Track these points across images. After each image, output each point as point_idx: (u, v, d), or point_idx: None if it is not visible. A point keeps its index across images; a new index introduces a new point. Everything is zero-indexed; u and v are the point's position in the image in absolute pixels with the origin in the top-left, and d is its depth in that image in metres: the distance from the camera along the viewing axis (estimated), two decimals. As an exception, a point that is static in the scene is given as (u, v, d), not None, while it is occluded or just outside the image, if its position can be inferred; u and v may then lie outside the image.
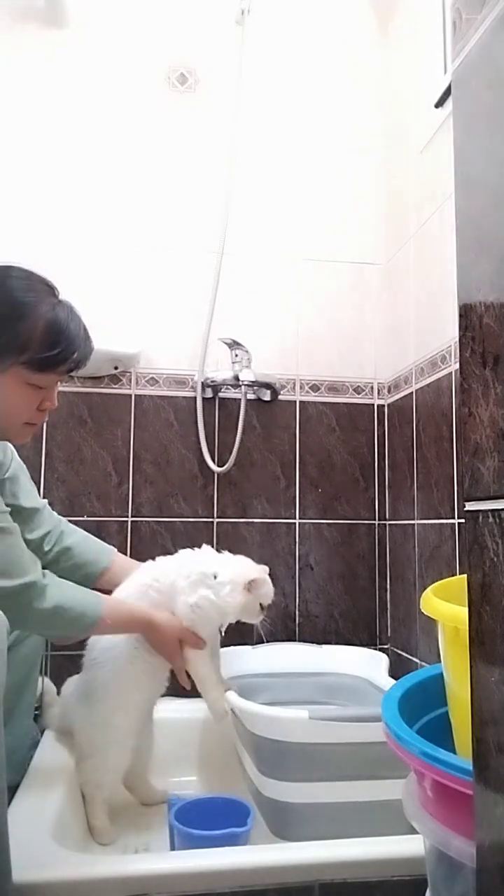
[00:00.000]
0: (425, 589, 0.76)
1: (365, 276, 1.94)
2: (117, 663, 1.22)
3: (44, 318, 1.02)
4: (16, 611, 0.98)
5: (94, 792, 1.20)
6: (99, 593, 1.19)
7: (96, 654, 1.25)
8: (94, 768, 1.20)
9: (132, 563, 1.39)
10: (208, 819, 1.13)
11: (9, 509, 1.09)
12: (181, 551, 1.34)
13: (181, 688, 1.28)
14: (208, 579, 1.24)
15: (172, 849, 1.14)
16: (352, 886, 0.91)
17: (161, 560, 1.33)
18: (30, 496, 1.28)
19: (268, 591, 1.26)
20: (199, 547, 1.37)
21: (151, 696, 1.30)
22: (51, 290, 1.07)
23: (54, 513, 1.36)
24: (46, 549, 1.30)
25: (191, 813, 1.17)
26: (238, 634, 1.44)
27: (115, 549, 1.42)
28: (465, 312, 0.50)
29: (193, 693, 1.27)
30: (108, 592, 1.29)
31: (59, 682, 1.46)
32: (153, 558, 1.37)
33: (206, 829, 1.08)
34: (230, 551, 1.77)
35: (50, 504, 1.37)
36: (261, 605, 1.25)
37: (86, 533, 1.40)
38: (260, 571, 1.27)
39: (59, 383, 1.09)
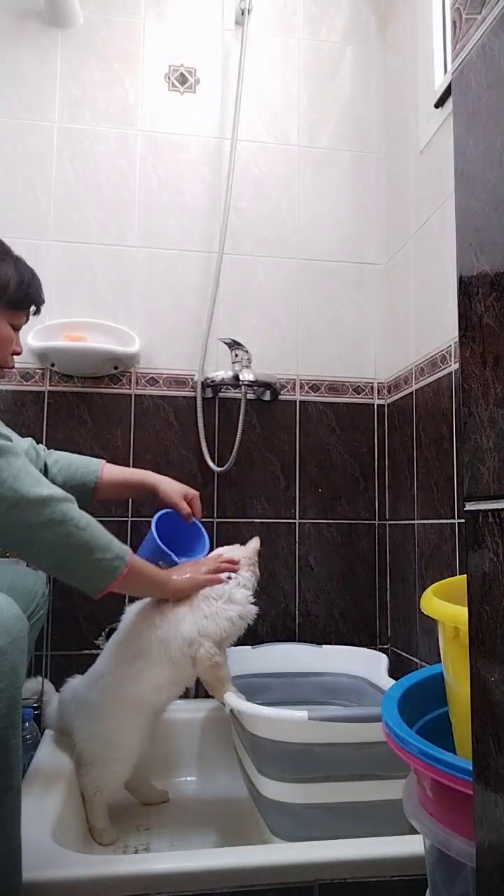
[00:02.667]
0: (425, 589, 0.76)
1: (365, 276, 1.94)
2: (127, 688, 1.21)
3: (14, 264, 1.17)
4: (52, 519, 0.99)
5: (94, 796, 1.20)
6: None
7: (106, 676, 1.24)
8: (96, 777, 1.20)
9: (121, 469, 1.41)
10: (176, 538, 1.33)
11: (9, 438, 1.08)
12: None
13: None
14: (232, 583, 1.26)
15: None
16: (352, 886, 0.91)
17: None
18: (18, 442, 1.28)
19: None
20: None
21: (159, 714, 1.30)
22: (6, 245, 1.20)
23: (39, 447, 1.36)
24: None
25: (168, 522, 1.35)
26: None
27: (103, 461, 1.41)
28: (465, 312, 0.50)
29: (193, 693, 1.27)
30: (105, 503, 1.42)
31: (59, 682, 1.46)
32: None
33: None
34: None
35: None
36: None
37: (68, 454, 1.40)
38: (249, 546, 1.36)
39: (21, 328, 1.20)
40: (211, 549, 1.38)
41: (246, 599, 1.26)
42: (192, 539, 1.40)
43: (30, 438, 1.36)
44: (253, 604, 1.27)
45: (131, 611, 1.29)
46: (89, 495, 1.36)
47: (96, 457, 1.79)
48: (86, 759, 1.21)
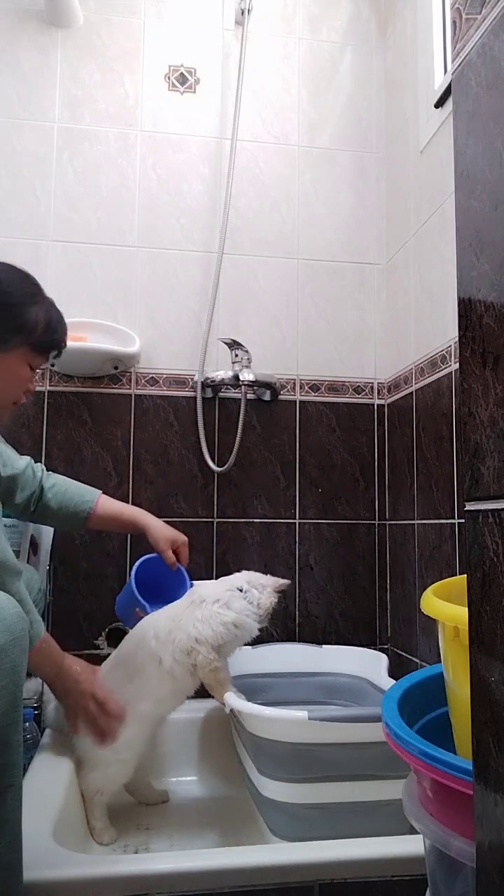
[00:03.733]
0: (425, 589, 0.76)
1: (365, 276, 1.94)
2: (128, 703, 1.20)
3: (45, 306, 1.17)
4: None
5: (94, 797, 1.20)
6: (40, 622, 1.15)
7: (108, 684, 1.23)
8: (97, 779, 1.20)
9: (115, 504, 1.42)
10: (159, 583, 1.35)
11: None
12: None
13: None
14: (238, 593, 1.26)
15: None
16: (352, 886, 0.91)
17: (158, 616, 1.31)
18: (13, 464, 1.30)
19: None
20: (200, 547, 1.38)
21: (161, 720, 1.29)
22: (38, 283, 1.20)
23: (37, 468, 1.37)
24: (32, 508, 1.35)
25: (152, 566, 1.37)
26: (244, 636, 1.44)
27: (100, 492, 1.42)
28: (465, 312, 0.50)
29: (193, 693, 1.27)
30: (98, 533, 1.45)
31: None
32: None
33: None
34: (230, 551, 1.78)
35: None
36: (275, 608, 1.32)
37: (66, 480, 1.41)
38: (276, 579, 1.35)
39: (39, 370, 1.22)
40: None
41: (245, 610, 1.25)
42: (176, 585, 1.40)
43: (27, 458, 1.36)
44: (257, 623, 1.26)
45: (131, 633, 1.29)
46: (81, 524, 1.39)
47: (97, 457, 1.79)
48: (86, 761, 1.21)
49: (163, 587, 1.39)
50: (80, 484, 1.42)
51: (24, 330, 1.13)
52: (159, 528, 1.41)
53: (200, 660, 1.20)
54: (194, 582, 1.35)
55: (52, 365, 1.76)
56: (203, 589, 1.29)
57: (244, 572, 1.35)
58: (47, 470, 1.40)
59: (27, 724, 1.35)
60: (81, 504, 1.38)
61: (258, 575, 1.34)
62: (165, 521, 1.54)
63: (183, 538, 1.42)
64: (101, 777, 1.20)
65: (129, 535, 1.74)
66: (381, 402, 1.91)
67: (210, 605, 1.24)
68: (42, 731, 1.36)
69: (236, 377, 1.72)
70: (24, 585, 1.05)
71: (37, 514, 1.37)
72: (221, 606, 1.24)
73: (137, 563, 1.38)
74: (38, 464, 1.39)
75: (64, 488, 1.38)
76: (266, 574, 1.36)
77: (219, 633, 1.21)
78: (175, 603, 1.30)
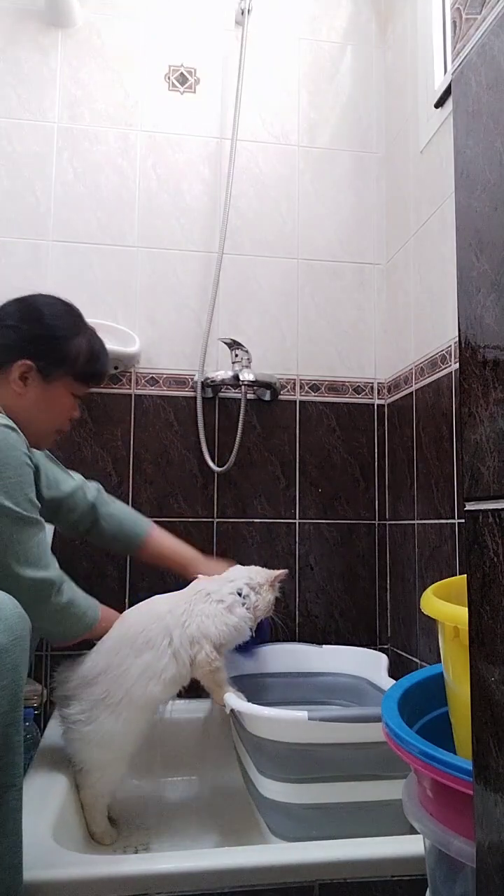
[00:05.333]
0: (425, 589, 0.76)
1: (365, 276, 1.94)
2: (135, 682, 1.17)
3: (87, 337, 1.22)
4: (35, 600, 1.06)
5: (94, 801, 1.18)
6: (95, 600, 1.23)
7: (112, 670, 1.18)
8: (94, 782, 1.17)
9: (166, 538, 1.46)
10: None
11: (38, 506, 1.13)
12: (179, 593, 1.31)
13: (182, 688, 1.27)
14: (238, 598, 1.26)
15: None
16: (352, 886, 0.91)
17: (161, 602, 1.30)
18: (59, 486, 1.35)
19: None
20: (200, 547, 1.37)
21: (155, 714, 1.26)
22: (81, 314, 1.24)
23: (91, 487, 1.41)
24: (83, 529, 1.41)
25: None
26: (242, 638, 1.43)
27: (151, 523, 1.45)
28: (465, 312, 0.50)
29: (193, 693, 1.27)
30: (150, 565, 1.48)
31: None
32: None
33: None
34: (230, 551, 1.78)
35: None
36: (276, 598, 1.33)
37: (122, 507, 1.45)
38: (271, 572, 1.35)
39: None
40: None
41: (244, 617, 1.25)
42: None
43: (78, 480, 1.40)
44: (250, 632, 1.27)
45: (135, 610, 1.27)
46: (130, 552, 1.48)
47: (97, 457, 1.79)
48: (85, 766, 1.17)
49: None
50: (133, 513, 1.46)
51: (67, 361, 1.18)
52: (214, 568, 1.41)
53: (202, 657, 1.18)
54: (199, 576, 1.34)
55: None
56: (208, 584, 1.28)
57: (243, 569, 1.34)
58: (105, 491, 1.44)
59: (27, 723, 1.35)
60: (134, 537, 1.43)
61: (256, 570, 1.33)
62: (166, 521, 1.55)
63: None
64: (98, 778, 1.18)
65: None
66: (381, 402, 1.91)
67: (214, 603, 1.23)
68: (42, 731, 1.36)
69: (236, 377, 1.72)
70: (69, 585, 1.15)
71: (91, 536, 1.42)
72: (226, 608, 1.23)
73: None
74: (93, 483, 1.42)
75: (119, 520, 1.42)
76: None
77: (222, 632, 1.21)
78: (180, 591, 1.28)
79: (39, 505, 1.14)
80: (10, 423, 1.08)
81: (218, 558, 1.54)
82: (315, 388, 1.88)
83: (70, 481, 1.38)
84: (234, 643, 1.26)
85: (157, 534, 1.45)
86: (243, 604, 1.26)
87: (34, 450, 1.32)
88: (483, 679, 0.46)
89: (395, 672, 1.55)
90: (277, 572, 1.34)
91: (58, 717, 1.24)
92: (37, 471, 1.30)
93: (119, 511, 1.44)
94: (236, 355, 1.73)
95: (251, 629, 1.27)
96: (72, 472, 1.41)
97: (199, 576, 1.33)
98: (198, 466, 1.80)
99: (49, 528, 1.58)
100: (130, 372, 1.80)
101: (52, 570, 1.12)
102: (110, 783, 1.20)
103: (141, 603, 1.28)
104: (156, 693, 1.18)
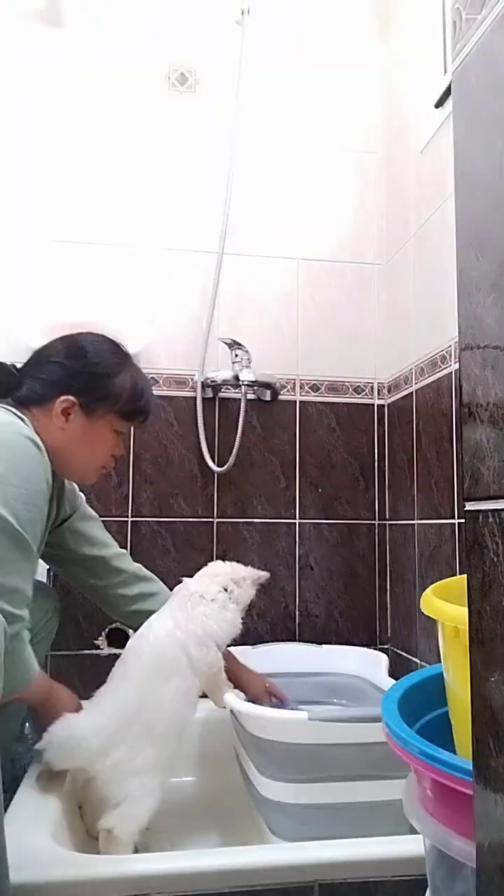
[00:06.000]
0: (425, 589, 0.76)
1: (365, 276, 1.94)
2: (168, 709, 1.13)
3: (132, 374, 1.23)
4: None
5: (128, 840, 1.06)
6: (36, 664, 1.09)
7: (141, 701, 1.12)
8: (131, 819, 1.07)
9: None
10: None
11: (39, 538, 1.07)
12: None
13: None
14: (226, 594, 1.25)
15: None
16: (352, 886, 0.91)
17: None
18: (94, 545, 1.33)
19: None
20: (200, 547, 1.36)
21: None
22: (127, 352, 1.26)
23: (131, 565, 1.37)
24: (125, 608, 1.36)
25: None
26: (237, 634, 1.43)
27: (162, 585, 1.39)
28: (465, 312, 0.50)
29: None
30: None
31: (59, 682, 1.45)
32: (153, 558, 1.38)
33: None
34: (230, 551, 1.78)
35: None
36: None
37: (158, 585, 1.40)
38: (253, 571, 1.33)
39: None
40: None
41: (235, 611, 1.24)
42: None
43: (123, 551, 1.39)
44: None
45: (141, 639, 1.21)
46: None
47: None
48: (114, 799, 1.07)
49: None
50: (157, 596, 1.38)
51: (111, 398, 1.19)
52: (254, 678, 1.37)
53: (211, 658, 1.18)
54: (184, 578, 1.32)
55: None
56: (194, 584, 1.26)
57: (225, 564, 1.32)
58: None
59: (27, 724, 1.34)
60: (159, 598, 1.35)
61: (238, 567, 1.32)
62: (166, 521, 1.54)
63: (276, 687, 1.41)
64: (138, 814, 1.07)
65: (128, 540, 1.74)
66: (381, 402, 1.91)
67: (209, 602, 1.22)
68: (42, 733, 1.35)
69: (236, 377, 1.72)
70: (24, 635, 1.02)
71: (128, 619, 1.37)
72: (220, 607, 1.23)
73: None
74: (136, 566, 1.39)
75: (144, 599, 1.36)
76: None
77: (223, 630, 1.21)
78: (171, 603, 1.25)
79: (40, 538, 1.08)
80: (38, 441, 1.06)
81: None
82: (315, 388, 1.88)
83: (113, 547, 1.36)
84: (231, 639, 1.25)
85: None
86: (230, 598, 1.25)
87: (83, 501, 1.34)
88: (483, 679, 0.46)
89: (395, 672, 1.55)
90: (259, 573, 1.32)
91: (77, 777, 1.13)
92: (81, 522, 1.31)
93: (158, 589, 1.38)
94: (236, 355, 1.73)
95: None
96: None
97: (184, 579, 1.31)
98: (198, 466, 1.80)
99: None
100: (130, 372, 1.80)
101: (24, 611, 1.00)
102: (145, 820, 1.10)
103: (141, 631, 1.22)
104: (188, 714, 1.17)
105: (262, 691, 1.36)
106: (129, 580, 1.36)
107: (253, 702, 1.27)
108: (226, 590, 1.26)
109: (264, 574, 1.33)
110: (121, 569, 1.36)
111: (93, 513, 1.38)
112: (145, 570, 1.40)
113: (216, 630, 1.20)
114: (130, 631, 1.33)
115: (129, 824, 1.06)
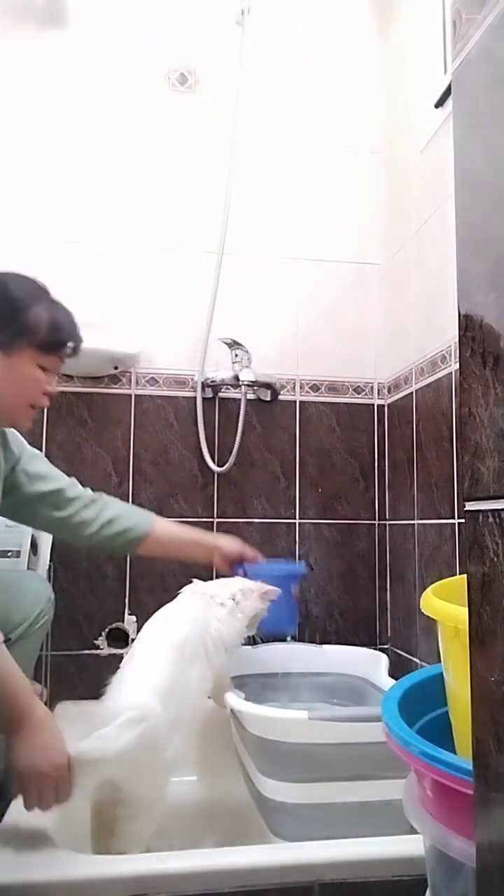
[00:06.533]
0: (425, 589, 0.76)
1: (365, 276, 1.94)
2: (195, 698, 1.11)
3: (48, 306, 1.18)
4: None
5: (138, 850, 1.01)
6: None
7: (174, 691, 1.06)
8: (142, 830, 1.03)
9: (171, 528, 1.44)
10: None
11: None
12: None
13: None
14: (234, 603, 1.25)
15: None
16: (352, 886, 0.91)
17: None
18: (48, 481, 1.32)
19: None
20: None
21: None
22: (43, 287, 1.21)
23: (84, 490, 1.38)
24: (90, 530, 1.35)
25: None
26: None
27: (155, 515, 1.43)
28: (465, 312, 0.50)
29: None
30: (152, 559, 1.46)
31: (59, 682, 1.45)
32: (153, 558, 1.37)
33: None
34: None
35: None
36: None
37: (125, 505, 1.43)
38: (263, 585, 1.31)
39: (57, 374, 1.23)
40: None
41: (242, 619, 1.23)
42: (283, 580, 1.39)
43: (72, 480, 1.37)
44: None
45: (171, 616, 1.20)
46: (135, 545, 1.39)
47: (97, 457, 1.79)
48: (132, 812, 1.00)
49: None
50: (135, 508, 1.43)
51: (27, 331, 1.14)
52: (227, 537, 1.42)
53: (220, 660, 1.18)
54: (194, 580, 1.32)
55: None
56: (206, 587, 1.27)
57: (235, 579, 1.33)
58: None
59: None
60: (140, 525, 1.38)
61: (247, 581, 1.32)
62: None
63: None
64: (147, 825, 1.03)
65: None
66: (381, 402, 1.91)
67: (219, 606, 1.22)
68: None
69: (236, 377, 1.72)
70: None
71: (94, 539, 1.37)
72: (228, 613, 1.22)
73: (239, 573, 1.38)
74: (87, 490, 1.39)
75: (120, 513, 1.38)
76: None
77: (233, 637, 1.20)
78: (184, 596, 1.26)
79: None
80: None
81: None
82: (315, 388, 1.88)
83: (64, 478, 1.35)
84: (235, 647, 1.25)
85: (160, 524, 1.43)
86: (237, 606, 1.25)
87: (23, 444, 1.31)
88: (483, 679, 0.46)
89: (395, 672, 1.55)
90: (268, 587, 1.30)
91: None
92: (28, 463, 1.30)
93: (122, 507, 1.41)
94: (236, 355, 1.73)
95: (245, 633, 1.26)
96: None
97: (194, 580, 1.31)
98: (198, 466, 1.80)
99: (47, 539, 1.58)
100: (130, 372, 1.80)
101: None
102: (153, 830, 1.05)
103: (164, 612, 1.21)
104: (204, 707, 1.13)
105: (239, 547, 1.39)
106: (88, 504, 1.37)
107: (236, 560, 1.34)
108: (233, 599, 1.25)
109: (273, 589, 1.31)
110: (77, 495, 1.36)
111: (35, 450, 1.36)
112: (91, 491, 1.40)
113: (227, 635, 1.19)
114: (131, 631, 1.32)
115: (128, 848, 1.00)
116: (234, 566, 1.41)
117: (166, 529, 1.43)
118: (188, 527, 1.47)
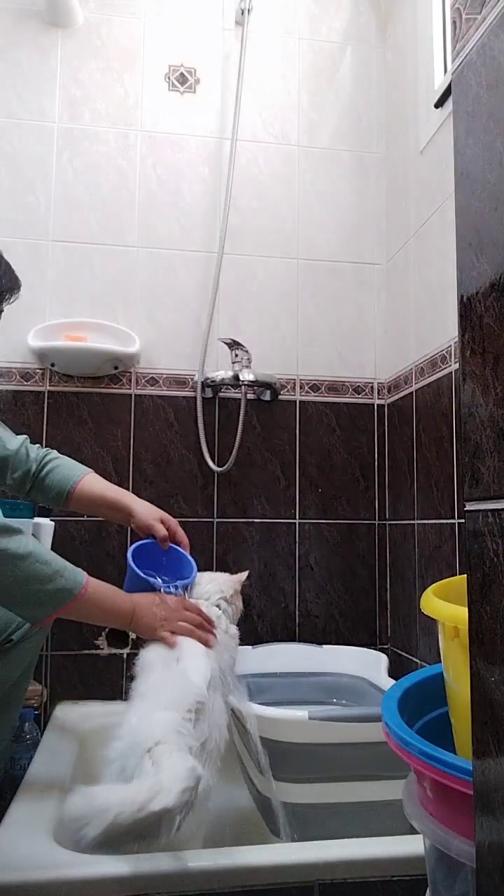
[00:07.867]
0: (425, 589, 0.76)
1: (365, 276, 1.94)
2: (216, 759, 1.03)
3: None
4: None
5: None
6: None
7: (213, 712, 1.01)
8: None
9: (100, 484, 1.33)
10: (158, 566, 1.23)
11: None
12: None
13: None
14: (221, 614, 1.22)
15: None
16: (352, 886, 0.91)
17: None
18: (3, 444, 1.29)
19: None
20: (200, 547, 1.34)
21: None
22: None
23: (32, 448, 1.32)
24: (27, 488, 1.31)
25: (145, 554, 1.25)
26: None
27: (89, 471, 1.34)
28: (465, 312, 0.50)
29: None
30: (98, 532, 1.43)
31: (59, 682, 1.45)
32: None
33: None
34: (230, 551, 1.78)
35: None
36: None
37: (64, 460, 1.35)
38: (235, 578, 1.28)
39: None
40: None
41: (234, 634, 1.21)
42: (177, 567, 1.30)
43: (23, 437, 1.32)
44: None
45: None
46: (62, 502, 1.31)
47: (97, 457, 1.79)
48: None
49: (166, 572, 1.28)
50: (74, 463, 1.35)
51: None
52: (146, 506, 1.31)
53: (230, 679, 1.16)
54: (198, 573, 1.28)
55: (52, 365, 1.75)
56: (204, 581, 1.25)
57: (212, 581, 1.26)
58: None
59: (27, 724, 1.35)
60: (63, 481, 1.31)
61: (223, 581, 1.26)
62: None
63: (171, 518, 1.32)
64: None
65: (129, 533, 1.74)
66: (381, 402, 1.91)
67: (220, 629, 1.18)
68: (42, 731, 1.36)
69: (236, 377, 1.72)
70: (29, 538, 1.01)
71: (31, 494, 1.32)
72: (225, 630, 1.19)
73: (132, 549, 1.27)
74: (35, 445, 1.35)
75: (57, 464, 1.32)
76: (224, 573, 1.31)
77: (234, 661, 1.18)
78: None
79: None
80: None
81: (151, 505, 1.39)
82: (315, 388, 1.88)
83: (14, 439, 1.31)
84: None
85: (91, 478, 1.33)
86: (224, 615, 1.21)
87: None
88: (483, 679, 0.46)
89: (395, 672, 1.55)
90: (240, 576, 1.27)
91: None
92: None
93: (61, 462, 1.34)
94: (236, 355, 1.73)
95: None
96: (18, 436, 1.34)
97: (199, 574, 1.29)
98: (198, 466, 1.80)
99: (48, 527, 1.58)
100: (130, 372, 1.80)
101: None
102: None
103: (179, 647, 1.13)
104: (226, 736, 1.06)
105: (155, 518, 1.29)
106: (41, 456, 1.33)
107: (143, 529, 1.26)
108: (218, 607, 1.22)
109: (242, 575, 1.28)
110: (31, 449, 1.33)
111: None
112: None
113: (226, 656, 1.16)
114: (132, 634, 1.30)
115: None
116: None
117: (90, 485, 1.32)
118: (114, 487, 1.34)
